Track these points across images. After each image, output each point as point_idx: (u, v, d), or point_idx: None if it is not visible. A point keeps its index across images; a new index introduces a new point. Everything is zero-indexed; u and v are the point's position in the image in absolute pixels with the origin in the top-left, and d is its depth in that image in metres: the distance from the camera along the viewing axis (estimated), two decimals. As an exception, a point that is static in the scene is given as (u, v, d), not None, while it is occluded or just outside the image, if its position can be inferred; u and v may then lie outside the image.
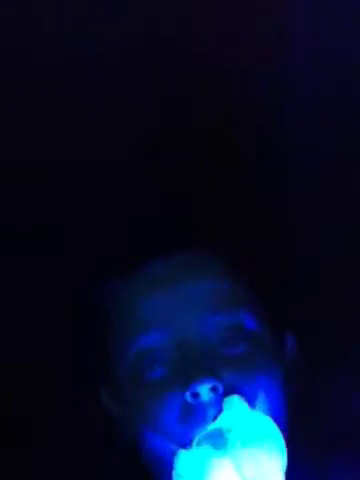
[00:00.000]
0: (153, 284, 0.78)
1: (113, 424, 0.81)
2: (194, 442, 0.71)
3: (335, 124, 0.87)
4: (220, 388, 0.71)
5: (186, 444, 0.71)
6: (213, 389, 0.71)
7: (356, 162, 0.88)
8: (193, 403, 0.72)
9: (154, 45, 0.86)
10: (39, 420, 0.85)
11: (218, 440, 0.70)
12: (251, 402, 0.72)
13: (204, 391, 0.71)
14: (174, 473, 0.71)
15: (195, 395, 0.71)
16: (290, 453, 0.72)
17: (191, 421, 0.72)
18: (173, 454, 0.71)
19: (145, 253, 0.80)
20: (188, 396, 0.71)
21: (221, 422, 0.70)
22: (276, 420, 0.72)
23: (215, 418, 0.71)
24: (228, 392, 0.72)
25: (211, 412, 0.71)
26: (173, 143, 0.89)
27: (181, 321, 0.75)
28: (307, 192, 0.88)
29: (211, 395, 0.71)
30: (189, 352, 0.74)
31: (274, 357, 0.77)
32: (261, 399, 0.73)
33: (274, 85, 0.87)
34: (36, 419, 0.85)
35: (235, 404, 0.71)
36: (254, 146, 0.89)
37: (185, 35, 0.86)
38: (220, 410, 0.71)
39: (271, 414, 0.72)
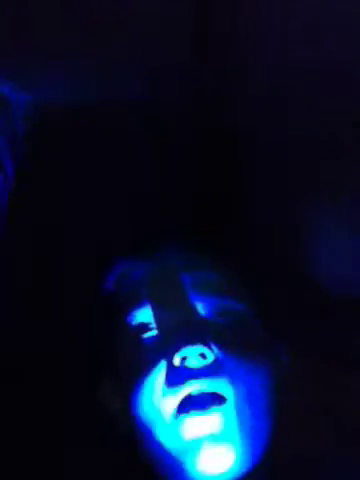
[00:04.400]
0: (154, 270, 0.82)
1: (110, 419, 0.81)
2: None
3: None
4: (209, 356, 0.73)
5: (168, 408, 0.73)
6: (202, 356, 0.73)
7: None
8: (179, 366, 0.73)
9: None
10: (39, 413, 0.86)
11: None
12: (235, 383, 0.73)
13: (192, 355, 0.73)
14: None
15: (183, 359, 0.73)
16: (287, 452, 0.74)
17: (176, 384, 0.73)
18: (161, 426, 0.73)
19: (149, 239, 0.85)
20: (176, 359, 0.73)
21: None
22: (256, 412, 0.74)
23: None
24: (216, 364, 0.73)
25: (197, 377, 0.73)
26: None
27: (176, 298, 0.78)
28: (305, 197, 0.89)
29: (199, 361, 0.73)
30: (184, 323, 0.76)
31: (266, 355, 0.78)
32: (245, 384, 0.74)
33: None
34: (35, 412, 0.86)
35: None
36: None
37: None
38: (207, 377, 0.73)
39: (252, 402, 0.74)
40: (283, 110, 0.87)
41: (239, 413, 0.73)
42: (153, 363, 0.75)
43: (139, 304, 0.80)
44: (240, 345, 0.76)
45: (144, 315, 0.79)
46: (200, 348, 0.73)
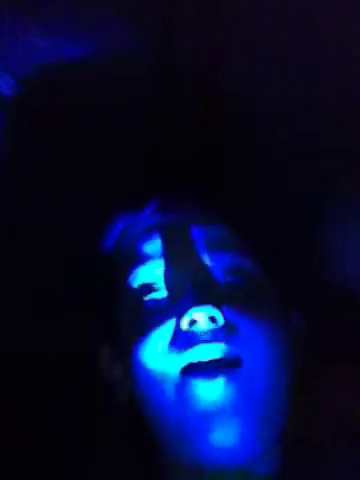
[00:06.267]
0: (158, 224, 0.78)
1: (110, 388, 0.78)
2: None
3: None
4: (220, 320, 0.68)
5: (174, 372, 0.69)
6: (212, 319, 0.68)
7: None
8: (188, 330, 0.69)
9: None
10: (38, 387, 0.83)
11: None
12: (247, 349, 0.69)
13: (202, 319, 0.68)
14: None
15: (192, 323, 0.69)
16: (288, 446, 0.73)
17: (181, 347, 0.69)
18: (166, 386, 0.69)
19: (150, 193, 0.81)
20: (184, 323, 0.69)
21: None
22: (269, 382, 0.69)
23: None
24: (227, 328, 0.69)
25: (206, 342, 0.68)
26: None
27: (184, 255, 0.74)
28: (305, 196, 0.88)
29: (209, 325, 0.68)
30: (191, 281, 0.72)
31: (277, 317, 0.74)
32: (256, 347, 0.70)
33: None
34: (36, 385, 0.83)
35: None
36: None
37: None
38: (217, 341, 0.68)
39: (265, 370, 0.70)
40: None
41: (251, 382, 0.68)
42: (158, 325, 0.71)
43: (142, 262, 0.75)
44: (251, 307, 0.71)
45: (147, 274, 0.75)
46: (210, 310, 0.68)
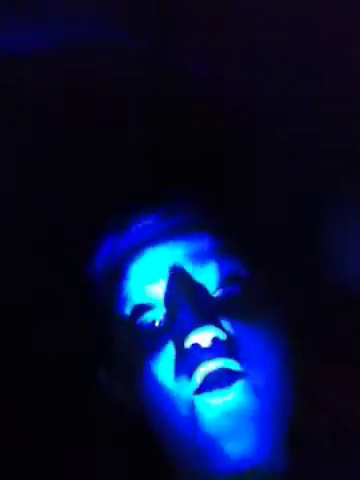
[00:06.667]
0: (146, 242, 0.76)
1: (114, 404, 0.78)
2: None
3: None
4: (221, 336, 0.68)
5: (186, 394, 0.69)
6: (214, 338, 0.68)
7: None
8: (192, 352, 0.69)
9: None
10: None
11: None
12: (248, 357, 0.70)
13: (204, 340, 0.68)
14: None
15: (195, 344, 0.68)
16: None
17: (189, 367, 0.69)
18: (178, 408, 0.69)
19: (135, 210, 0.79)
20: (188, 347, 0.68)
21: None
22: (271, 386, 0.70)
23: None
24: (229, 342, 0.69)
25: (211, 358, 0.68)
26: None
27: (176, 271, 0.73)
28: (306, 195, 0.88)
29: (212, 344, 0.68)
30: (187, 298, 0.71)
31: (276, 317, 0.74)
32: (258, 357, 0.70)
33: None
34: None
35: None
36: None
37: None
38: (221, 357, 0.68)
39: (266, 375, 0.70)
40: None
41: (257, 389, 0.69)
42: (159, 347, 0.71)
43: (133, 281, 0.74)
44: (250, 315, 0.71)
45: (140, 294, 0.74)
46: (211, 330, 0.68)
